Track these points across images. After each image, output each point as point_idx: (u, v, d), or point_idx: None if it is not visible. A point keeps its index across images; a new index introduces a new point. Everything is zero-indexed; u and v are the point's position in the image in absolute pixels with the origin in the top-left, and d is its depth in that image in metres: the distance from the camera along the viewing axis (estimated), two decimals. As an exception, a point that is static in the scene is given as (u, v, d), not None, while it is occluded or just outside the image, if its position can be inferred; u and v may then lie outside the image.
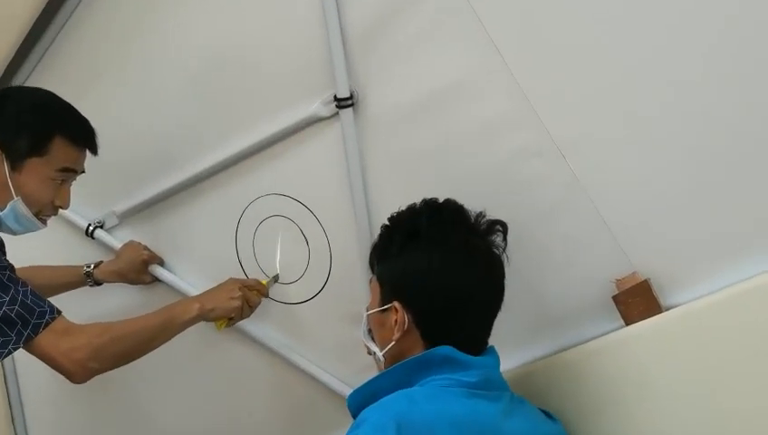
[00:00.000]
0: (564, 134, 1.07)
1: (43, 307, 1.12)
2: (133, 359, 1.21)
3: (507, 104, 1.09)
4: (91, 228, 1.57)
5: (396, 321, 0.96)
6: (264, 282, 1.37)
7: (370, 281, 1.06)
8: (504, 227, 1.01)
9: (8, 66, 1.52)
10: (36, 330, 1.10)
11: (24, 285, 1.13)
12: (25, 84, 1.53)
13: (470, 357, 0.94)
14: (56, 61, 1.53)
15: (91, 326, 1.17)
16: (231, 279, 1.34)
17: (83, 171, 1.26)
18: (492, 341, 1.02)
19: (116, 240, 1.56)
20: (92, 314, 1.37)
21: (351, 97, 1.24)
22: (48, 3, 1.44)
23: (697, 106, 0.98)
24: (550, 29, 1.05)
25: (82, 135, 1.22)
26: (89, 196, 1.58)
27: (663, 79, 0.99)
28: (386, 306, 0.98)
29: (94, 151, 1.25)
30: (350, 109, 1.25)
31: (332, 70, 1.23)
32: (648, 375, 1.02)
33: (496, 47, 1.08)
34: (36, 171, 1.16)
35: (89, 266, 1.50)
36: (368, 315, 1.03)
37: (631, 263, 1.05)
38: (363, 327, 1.05)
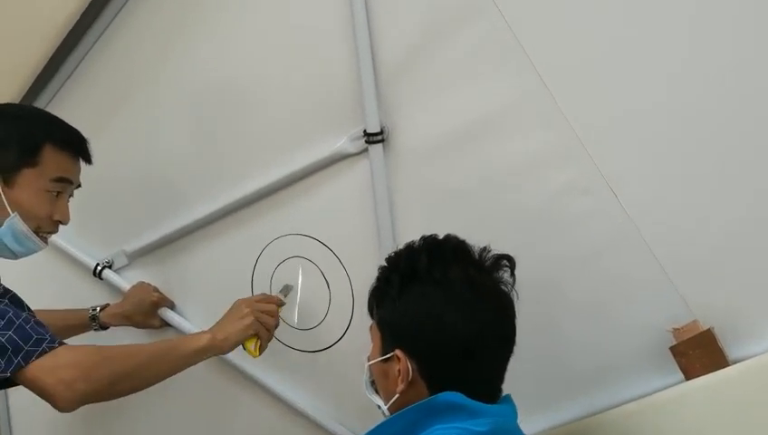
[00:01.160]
0: (615, 170, 1.00)
1: (43, 336, 1.02)
2: (129, 386, 1.08)
3: (552, 137, 1.03)
4: (99, 268, 1.50)
5: (399, 371, 0.88)
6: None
7: (370, 327, 0.98)
8: (510, 261, 0.92)
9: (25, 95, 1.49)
10: (28, 359, 1.00)
11: (30, 311, 1.06)
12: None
13: (480, 404, 0.84)
14: (70, 98, 1.50)
15: (81, 346, 1.07)
16: (236, 302, 1.24)
17: (80, 184, 1.21)
18: (527, 396, 0.93)
19: (125, 281, 1.49)
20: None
21: (382, 132, 1.18)
22: (64, 40, 1.41)
23: (764, 141, 0.91)
24: (598, 58, 1.00)
25: (73, 142, 1.17)
26: (98, 234, 1.54)
27: (726, 112, 0.93)
28: (388, 355, 0.90)
29: (88, 160, 1.20)
30: (380, 145, 1.19)
31: (362, 103, 1.18)
32: (712, 436, 0.92)
33: (540, 77, 1.02)
34: (30, 184, 1.11)
35: (94, 309, 1.42)
36: (369, 365, 0.95)
37: (690, 310, 0.97)
38: (365, 378, 0.97)
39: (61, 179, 1.14)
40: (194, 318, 1.45)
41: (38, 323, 1.05)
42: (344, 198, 1.25)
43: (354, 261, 1.26)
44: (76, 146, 1.17)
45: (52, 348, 1.02)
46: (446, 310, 0.86)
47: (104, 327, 1.43)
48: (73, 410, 1.02)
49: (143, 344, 1.13)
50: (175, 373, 1.13)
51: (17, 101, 1.47)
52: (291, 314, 1.32)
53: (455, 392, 0.84)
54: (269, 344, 1.30)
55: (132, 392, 1.09)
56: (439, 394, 0.84)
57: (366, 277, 1.24)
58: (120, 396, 1.08)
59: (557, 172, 1.04)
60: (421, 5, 1.10)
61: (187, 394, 1.44)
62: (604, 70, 0.99)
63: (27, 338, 1.01)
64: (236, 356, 1.34)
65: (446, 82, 1.11)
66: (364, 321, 1.25)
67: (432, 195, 1.17)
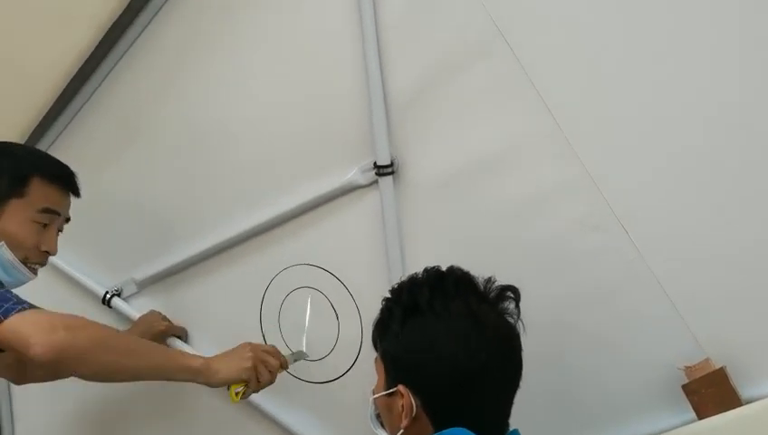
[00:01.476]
0: (625, 206, 1.00)
1: (22, 302, 1.00)
2: (108, 361, 1.02)
3: (562, 173, 1.03)
4: (108, 296, 1.50)
5: (402, 406, 0.86)
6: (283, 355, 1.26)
7: (375, 360, 0.97)
8: (515, 292, 0.91)
9: (30, 135, 1.50)
10: (7, 314, 0.96)
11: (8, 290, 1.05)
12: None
13: None
14: (80, 129, 1.51)
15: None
16: (244, 343, 1.21)
17: (69, 218, 1.22)
18: (536, 432, 0.91)
19: (134, 309, 1.49)
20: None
21: (392, 164, 1.19)
22: (73, 78, 1.43)
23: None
24: (608, 93, 1.00)
25: (61, 175, 1.19)
26: (107, 262, 1.54)
27: (740, 148, 0.93)
28: (391, 390, 0.89)
29: (76, 193, 1.22)
30: (389, 177, 1.19)
31: (372, 136, 1.19)
32: (725, 478, 0.91)
33: (551, 113, 1.03)
34: (17, 214, 1.13)
35: None
36: (374, 399, 0.94)
37: (702, 348, 0.96)
38: (370, 412, 0.96)
39: (47, 210, 1.16)
40: (201, 347, 1.44)
41: (19, 297, 1.02)
42: (354, 229, 1.25)
43: (363, 292, 1.26)
44: (64, 179, 1.19)
45: (33, 307, 0.99)
46: (446, 343, 0.85)
47: None
48: (47, 358, 0.95)
49: (138, 337, 1.12)
50: (154, 378, 1.09)
51: (24, 140, 1.49)
52: (299, 344, 1.32)
53: (461, 429, 0.82)
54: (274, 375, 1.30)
55: (107, 376, 1.04)
56: (445, 431, 0.83)
57: (375, 309, 1.24)
58: (96, 371, 1.02)
59: (567, 208, 1.04)
60: (433, 41, 1.11)
61: (193, 420, 1.43)
62: (615, 106, 1.00)
63: (6, 299, 0.99)
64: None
65: (456, 117, 1.12)
66: (373, 352, 1.25)
67: (442, 228, 1.17)
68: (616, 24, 0.99)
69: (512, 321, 0.90)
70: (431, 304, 0.88)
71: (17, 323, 0.96)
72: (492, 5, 1.05)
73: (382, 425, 0.94)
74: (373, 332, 0.97)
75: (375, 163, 1.19)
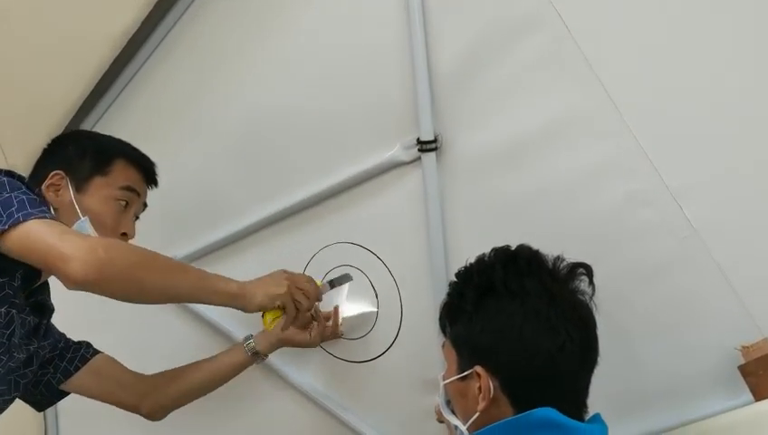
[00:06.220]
0: (679, 180, 0.98)
1: (38, 206, 0.96)
2: (147, 284, 0.97)
3: (614, 148, 1.01)
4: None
5: (480, 388, 0.85)
6: (318, 282, 1.22)
7: (443, 345, 0.95)
8: (587, 269, 0.90)
9: (75, 115, 1.50)
10: (28, 217, 0.92)
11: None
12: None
13: (575, 422, 0.81)
14: (124, 107, 1.51)
15: None
16: (279, 269, 1.17)
17: (146, 204, 1.24)
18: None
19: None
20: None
21: (435, 141, 1.17)
22: (119, 54, 1.42)
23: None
24: (662, 67, 0.98)
25: (142, 162, 1.22)
26: (147, 241, 1.52)
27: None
28: (466, 373, 0.87)
29: (154, 181, 1.24)
30: (433, 153, 1.17)
31: (416, 111, 1.17)
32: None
33: (603, 87, 1.00)
34: (100, 190, 1.15)
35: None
36: (445, 385, 0.92)
37: (759, 327, 0.93)
38: (441, 399, 0.94)
39: (128, 188, 1.18)
40: (239, 325, 1.44)
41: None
42: (395, 206, 1.24)
43: (403, 271, 1.25)
44: (145, 166, 1.22)
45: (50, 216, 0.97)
46: (525, 323, 0.84)
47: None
48: (88, 278, 0.90)
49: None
50: (191, 300, 1.13)
51: (65, 122, 1.49)
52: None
53: (550, 408, 0.81)
54: (313, 350, 1.31)
55: (146, 296, 1.00)
56: (534, 410, 0.81)
57: (415, 288, 1.23)
58: (135, 291, 0.97)
59: (617, 184, 1.02)
60: (480, 12, 1.09)
61: (239, 411, 1.44)
62: (669, 77, 0.97)
63: (34, 206, 0.96)
64: (277, 360, 1.36)
65: (504, 91, 1.10)
66: (411, 332, 1.25)
67: (486, 206, 1.15)
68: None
69: (584, 299, 0.89)
70: (506, 283, 0.87)
71: (50, 236, 0.92)
72: (542, -25, 1.03)
73: (453, 412, 0.92)
74: (441, 316, 0.96)
75: (418, 139, 1.18)
